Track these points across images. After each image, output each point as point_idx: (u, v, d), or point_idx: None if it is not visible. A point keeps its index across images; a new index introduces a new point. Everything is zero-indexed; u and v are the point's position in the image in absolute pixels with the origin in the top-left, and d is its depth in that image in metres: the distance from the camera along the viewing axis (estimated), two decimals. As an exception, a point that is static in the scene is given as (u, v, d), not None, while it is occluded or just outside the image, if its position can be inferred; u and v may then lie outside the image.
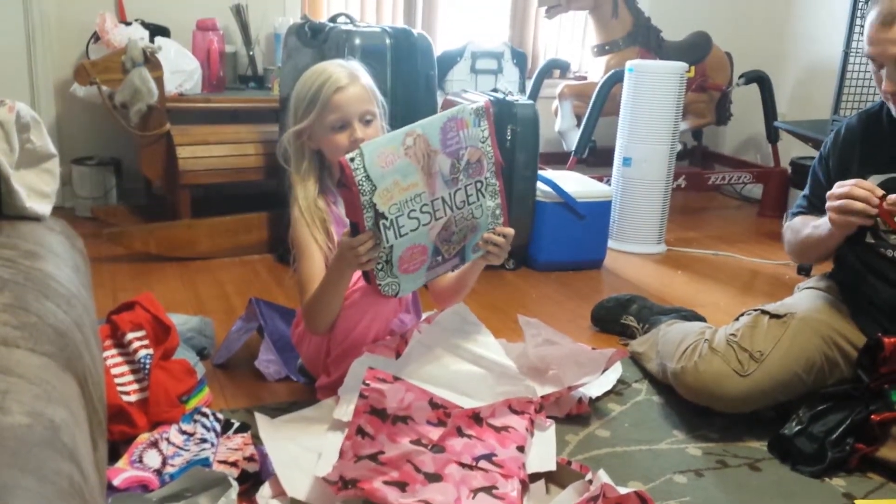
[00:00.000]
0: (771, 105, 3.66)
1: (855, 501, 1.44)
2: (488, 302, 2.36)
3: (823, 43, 3.72)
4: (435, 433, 1.39)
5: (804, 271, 2.79)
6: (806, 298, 1.78)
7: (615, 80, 3.17)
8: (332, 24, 2.46)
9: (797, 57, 3.93)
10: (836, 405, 1.57)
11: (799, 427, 1.56)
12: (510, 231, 1.55)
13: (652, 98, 2.90)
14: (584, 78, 3.83)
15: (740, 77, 3.64)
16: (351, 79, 1.62)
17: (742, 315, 1.78)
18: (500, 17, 3.85)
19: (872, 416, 1.52)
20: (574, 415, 1.68)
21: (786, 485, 1.49)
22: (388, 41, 2.41)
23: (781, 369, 1.61)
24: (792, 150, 3.66)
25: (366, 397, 1.37)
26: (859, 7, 2.94)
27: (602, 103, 3.26)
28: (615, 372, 1.88)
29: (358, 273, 1.50)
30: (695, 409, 1.70)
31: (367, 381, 1.38)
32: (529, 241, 2.70)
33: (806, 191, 1.85)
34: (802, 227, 1.77)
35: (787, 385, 1.62)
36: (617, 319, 2.17)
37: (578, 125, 3.44)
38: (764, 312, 1.72)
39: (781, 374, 1.61)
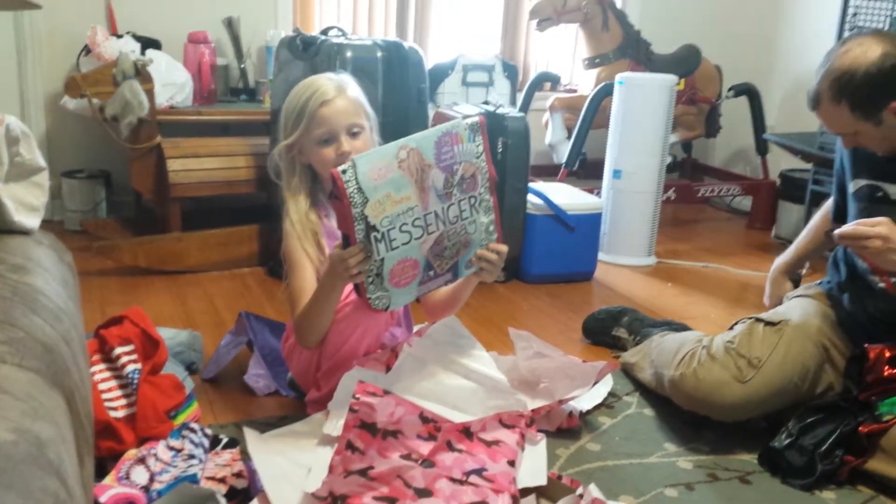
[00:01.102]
0: (760, 117, 3.69)
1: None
2: (479, 315, 2.36)
3: (812, 56, 3.74)
4: (425, 448, 1.38)
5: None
6: (798, 306, 1.79)
7: (605, 92, 3.19)
8: (323, 38, 2.47)
9: (786, 70, 3.96)
10: (825, 417, 1.58)
11: (789, 439, 1.57)
12: (504, 248, 1.55)
13: (642, 111, 2.91)
14: (575, 91, 3.85)
15: (729, 90, 3.66)
16: (337, 91, 1.62)
17: (737, 323, 1.79)
18: (491, 30, 3.87)
19: (861, 428, 1.53)
20: (565, 428, 1.68)
21: (776, 498, 1.49)
22: (379, 54, 2.42)
23: (779, 376, 1.62)
24: (781, 162, 3.69)
25: (356, 411, 1.36)
26: (847, 20, 2.98)
27: (592, 116, 3.27)
28: (606, 385, 1.88)
29: (349, 287, 1.50)
30: (686, 421, 1.71)
31: (357, 395, 1.38)
32: (520, 254, 2.70)
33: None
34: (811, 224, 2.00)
35: (783, 392, 1.63)
36: (608, 331, 2.18)
37: (569, 137, 3.45)
38: (758, 320, 1.73)
39: (779, 381, 1.62)
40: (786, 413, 1.64)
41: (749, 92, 3.66)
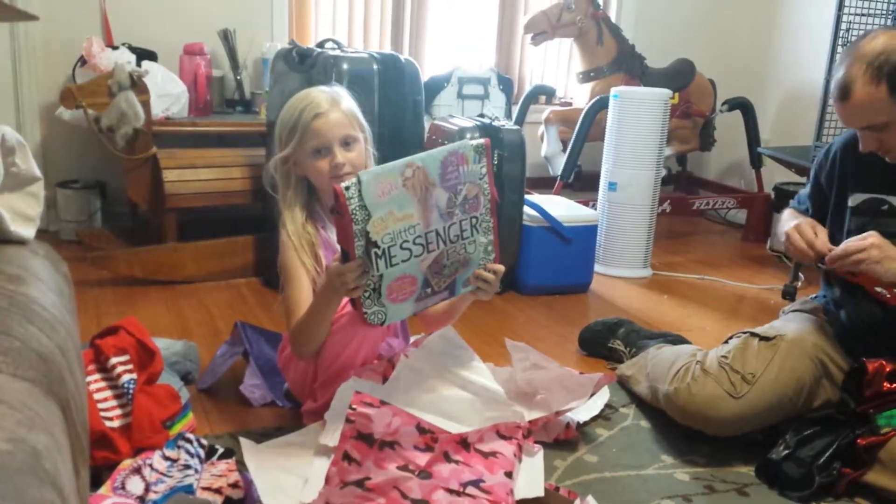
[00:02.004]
0: (754, 131, 3.71)
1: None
2: (476, 326, 2.35)
3: (805, 70, 3.78)
4: (422, 459, 1.37)
5: (789, 295, 2.80)
6: (793, 321, 1.79)
7: (600, 106, 3.20)
8: (319, 50, 2.48)
9: (780, 84, 3.99)
10: (823, 429, 1.58)
11: (786, 452, 1.56)
12: (500, 268, 1.55)
13: (637, 124, 2.93)
14: (570, 104, 3.87)
15: (724, 104, 3.68)
16: (331, 104, 1.63)
17: (731, 338, 1.79)
18: (486, 43, 3.89)
19: (859, 441, 1.53)
20: (562, 440, 1.67)
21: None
22: (375, 67, 2.43)
23: (773, 391, 1.62)
24: (775, 175, 3.70)
25: (352, 422, 1.36)
26: (840, 35, 3.00)
27: (587, 129, 3.28)
28: (603, 396, 1.87)
29: (346, 298, 1.50)
30: (683, 433, 1.70)
31: (354, 406, 1.37)
32: (516, 265, 2.70)
33: (806, 190, 1.89)
34: (785, 221, 1.82)
35: (778, 407, 1.63)
36: (604, 343, 2.17)
37: (564, 150, 3.46)
38: (753, 335, 1.73)
39: (773, 396, 1.62)
40: (783, 425, 1.64)
41: (743, 106, 3.68)
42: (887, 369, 1.58)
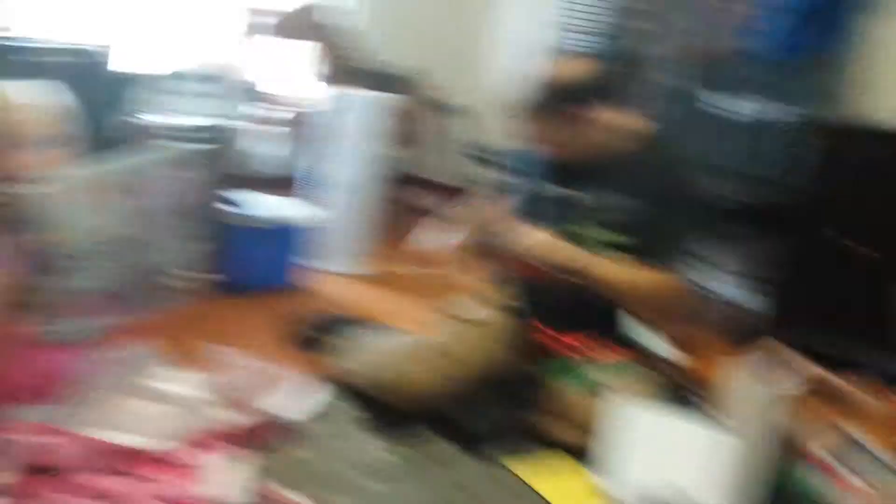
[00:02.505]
0: (464, 133, 3.99)
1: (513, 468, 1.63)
2: (175, 332, 2.20)
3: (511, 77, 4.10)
4: (113, 482, 1.31)
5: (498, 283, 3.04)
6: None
7: (325, 107, 3.24)
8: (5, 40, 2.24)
9: (492, 88, 4.30)
10: (503, 389, 1.77)
11: (472, 411, 1.74)
12: (200, 276, 1.52)
13: (358, 126, 3.01)
14: (295, 105, 3.89)
15: (440, 107, 3.92)
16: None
17: (440, 323, 1.90)
18: (207, 40, 3.77)
19: (534, 396, 1.74)
20: (274, 440, 1.67)
21: (469, 472, 1.64)
22: (71, 59, 2.25)
23: (479, 368, 1.78)
24: (487, 172, 3.99)
25: (24, 453, 1.25)
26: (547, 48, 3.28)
27: (304, 130, 3.32)
28: (318, 393, 1.89)
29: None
30: (396, 419, 1.78)
31: (24, 436, 1.27)
32: (224, 266, 2.50)
33: (510, 184, 2.11)
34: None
35: (480, 383, 1.78)
36: (320, 340, 2.19)
37: (292, 152, 3.47)
38: (461, 319, 1.87)
39: (475, 374, 1.77)
40: (475, 392, 1.79)
41: (454, 110, 3.95)
42: (551, 330, 1.83)
